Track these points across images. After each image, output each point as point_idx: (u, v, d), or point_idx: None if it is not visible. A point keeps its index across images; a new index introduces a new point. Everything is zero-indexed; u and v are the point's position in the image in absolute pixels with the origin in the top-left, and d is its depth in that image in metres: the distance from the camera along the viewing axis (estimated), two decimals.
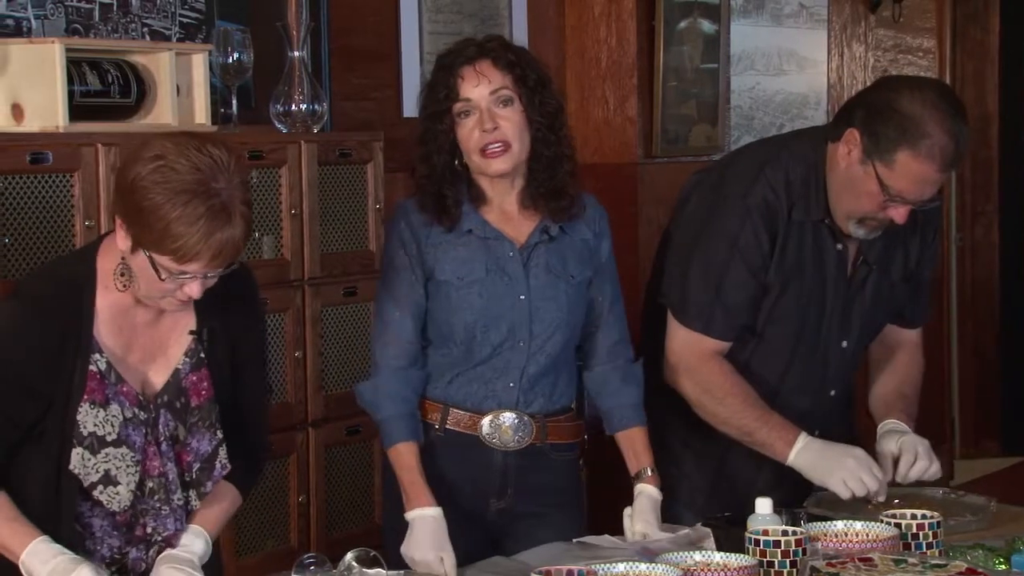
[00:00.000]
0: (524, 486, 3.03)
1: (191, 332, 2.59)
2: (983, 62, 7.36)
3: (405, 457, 2.89)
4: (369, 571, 2.57)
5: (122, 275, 2.48)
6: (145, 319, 2.55)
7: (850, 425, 3.34)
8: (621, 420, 3.08)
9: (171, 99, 3.49)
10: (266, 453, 2.80)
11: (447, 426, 2.99)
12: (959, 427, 7.38)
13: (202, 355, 2.59)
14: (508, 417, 2.99)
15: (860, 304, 3.16)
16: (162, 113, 3.51)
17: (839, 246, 3.10)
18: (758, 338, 3.14)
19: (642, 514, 2.96)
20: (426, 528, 2.80)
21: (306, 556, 2.57)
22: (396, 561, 2.76)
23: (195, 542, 2.59)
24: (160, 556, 2.56)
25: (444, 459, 2.98)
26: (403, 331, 2.94)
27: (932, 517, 2.69)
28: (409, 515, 2.83)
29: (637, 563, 2.48)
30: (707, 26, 5.42)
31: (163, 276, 2.41)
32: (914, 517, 2.69)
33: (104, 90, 3.41)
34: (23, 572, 2.44)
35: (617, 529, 2.97)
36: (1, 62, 3.33)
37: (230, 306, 2.60)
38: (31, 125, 3.30)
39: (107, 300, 2.50)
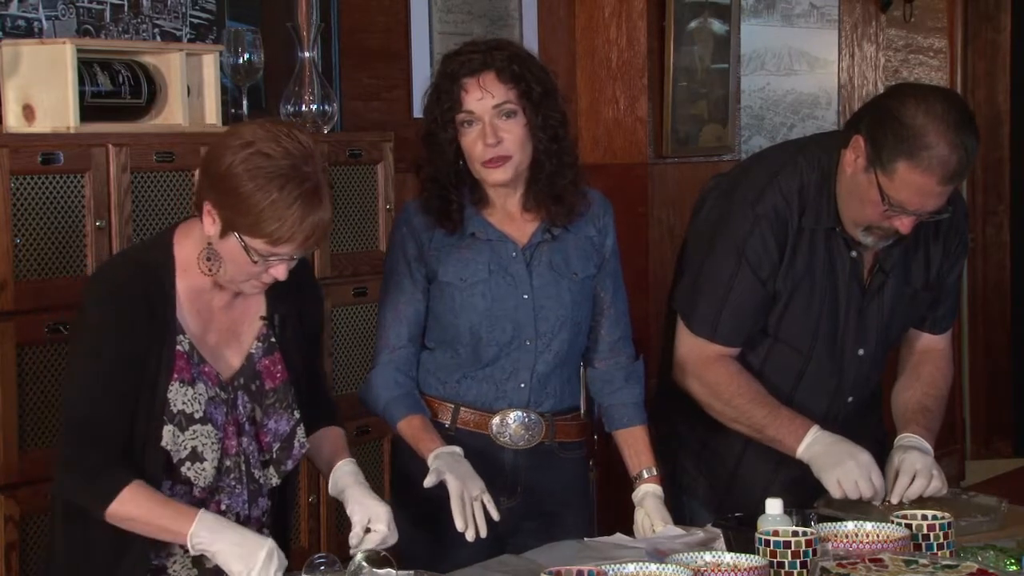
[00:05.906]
0: (533, 485, 3.04)
1: (262, 318, 2.66)
2: (994, 62, 7.34)
3: (408, 429, 2.93)
4: (379, 571, 2.57)
5: (208, 260, 2.54)
6: (221, 303, 2.62)
7: (876, 430, 3.30)
8: (623, 418, 3.10)
9: (182, 100, 3.50)
10: (336, 408, 2.91)
11: (458, 425, 3.01)
12: (971, 428, 7.36)
13: (273, 340, 2.67)
14: (518, 415, 3.00)
15: (877, 312, 3.14)
16: (173, 114, 3.51)
17: (853, 254, 3.08)
18: (770, 344, 3.13)
19: (658, 513, 2.99)
20: (443, 466, 2.80)
21: (316, 556, 2.57)
22: (406, 561, 2.76)
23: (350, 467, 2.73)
24: (343, 483, 2.68)
25: None
26: (399, 337, 2.99)
27: (943, 518, 2.68)
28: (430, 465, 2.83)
29: (647, 563, 2.48)
30: (717, 26, 5.41)
31: (255, 259, 2.48)
32: (925, 518, 2.68)
33: (115, 90, 3.41)
34: (189, 548, 2.47)
35: (627, 529, 2.98)
36: (12, 63, 3.33)
37: (297, 292, 2.67)
38: (42, 125, 3.30)
39: (185, 284, 2.57)
